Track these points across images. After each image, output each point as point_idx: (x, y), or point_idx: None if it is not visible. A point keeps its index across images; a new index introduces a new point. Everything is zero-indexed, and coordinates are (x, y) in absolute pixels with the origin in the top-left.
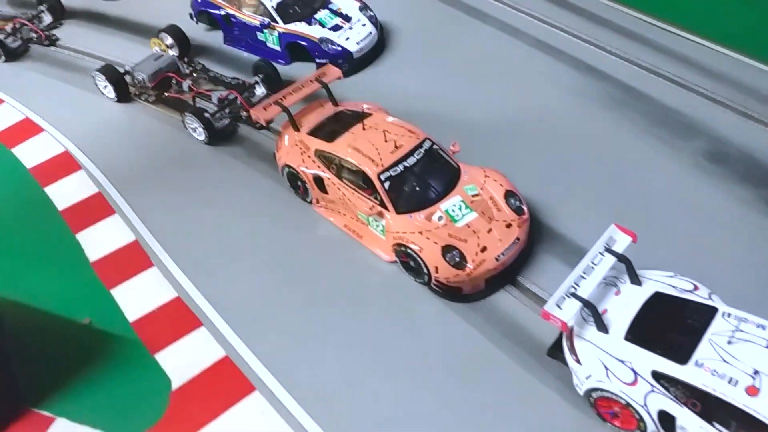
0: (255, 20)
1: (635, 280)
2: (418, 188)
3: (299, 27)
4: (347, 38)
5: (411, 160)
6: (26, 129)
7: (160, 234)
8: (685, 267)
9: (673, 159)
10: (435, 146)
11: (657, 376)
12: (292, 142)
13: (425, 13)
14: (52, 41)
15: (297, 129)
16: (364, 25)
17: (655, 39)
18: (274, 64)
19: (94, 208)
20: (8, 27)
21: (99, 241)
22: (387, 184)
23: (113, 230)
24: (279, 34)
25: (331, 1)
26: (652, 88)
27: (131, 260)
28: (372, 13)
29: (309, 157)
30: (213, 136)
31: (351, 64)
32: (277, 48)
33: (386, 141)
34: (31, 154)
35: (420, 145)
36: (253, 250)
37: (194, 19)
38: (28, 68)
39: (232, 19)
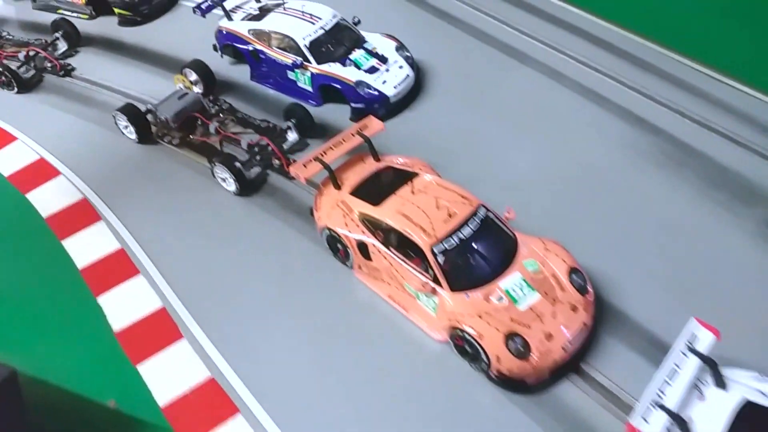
0: (286, 59)
1: (720, 382)
2: (474, 263)
3: (334, 68)
4: (384, 81)
5: (466, 231)
6: (42, 171)
7: (186, 298)
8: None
9: (736, 227)
10: (490, 214)
11: None
12: (334, 202)
13: (462, 52)
14: (68, 71)
15: (338, 187)
16: (401, 67)
17: (710, 91)
18: (306, 106)
19: (116, 268)
20: (21, 55)
21: (123, 305)
22: (441, 258)
23: (137, 293)
24: (312, 74)
25: (367, 40)
26: (708, 145)
27: (158, 330)
28: (409, 54)
29: (352, 220)
30: (244, 188)
31: (387, 108)
32: (309, 88)
33: (438, 208)
34: (47, 200)
35: (475, 214)
36: (287, 319)
37: (219, 51)
38: (41, 101)
39: (261, 56)
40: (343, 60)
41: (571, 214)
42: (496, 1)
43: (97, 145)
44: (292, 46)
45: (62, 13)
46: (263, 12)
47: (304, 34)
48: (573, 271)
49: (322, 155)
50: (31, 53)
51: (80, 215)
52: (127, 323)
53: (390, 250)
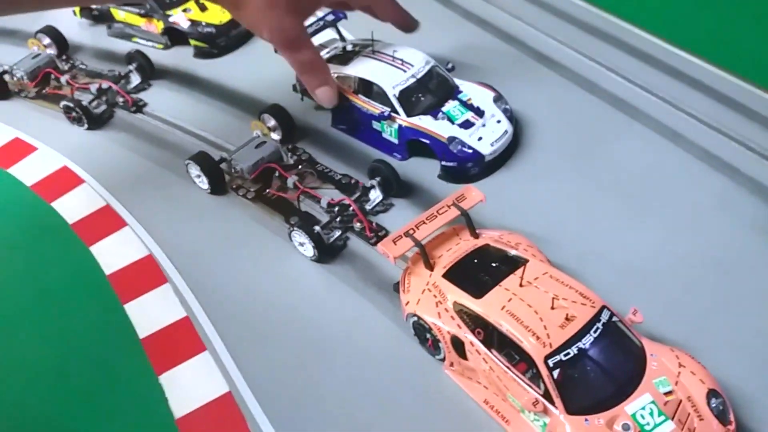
0: (373, 108)
1: None
2: (596, 379)
3: (425, 122)
4: (479, 138)
5: (587, 339)
6: (109, 221)
7: (253, 383)
8: None
9: None
10: (615, 318)
11: None
12: (424, 284)
13: (565, 103)
14: (139, 107)
15: (430, 267)
16: (498, 121)
17: None
18: (391, 161)
19: (183, 341)
20: (93, 87)
21: (186, 388)
22: (556, 372)
23: (202, 371)
24: (399, 126)
25: (461, 89)
26: None
27: (221, 418)
28: (508, 107)
29: (446, 310)
30: (323, 253)
31: (481, 167)
32: (395, 141)
33: (553, 308)
34: (112, 255)
35: (597, 317)
36: (365, 410)
37: (299, 93)
38: (111, 139)
39: (344, 102)
40: (434, 112)
41: (701, 314)
42: (604, 45)
43: (167, 194)
44: (379, 94)
45: (137, 42)
46: (349, 53)
47: (394, 82)
48: (713, 393)
49: (414, 231)
50: (104, 86)
51: (145, 276)
52: (191, 408)
53: (492, 352)
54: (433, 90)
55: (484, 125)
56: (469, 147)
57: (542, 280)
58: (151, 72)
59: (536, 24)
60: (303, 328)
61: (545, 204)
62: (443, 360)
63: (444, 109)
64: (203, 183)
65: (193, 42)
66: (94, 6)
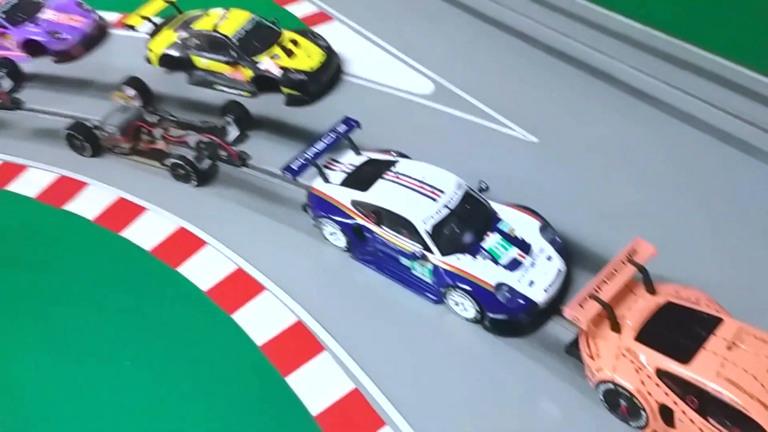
0: (401, 244)
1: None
2: None
3: (464, 263)
4: (531, 282)
5: None
6: (245, 285)
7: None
8: None
9: None
10: None
11: None
12: (615, 348)
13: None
14: (244, 161)
15: (617, 330)
16: (549, 258)
17: None
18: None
19: (357, 416)
20: (191, 140)
21: None
22: None
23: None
24: (434, 267)
25: (501, 217)
26: None
27: None
28: (557, 238)
29: (649, 377)
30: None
31: (533, 316)
32: (428, 280)
33: None
34: (258, 323)
35: None
36: None
37: (311, 217)
38: (223, 196)
39: (367, 234)
40: (474, 249)
41: None
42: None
43: (298, 253)
44: (407, 227)
45: (221, 90)
46: (366, 171)
47: (425, 215)
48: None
49: (597, 291)
50: (205, 140)
51: (300, 344)
52: None
53: (708, 421)
54: (469, 221)
55: (533, 264)
56: (520, 295)
57: (748, 342)
58: (248, 122)
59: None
60: (482, 398)
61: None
62: (642, 428)
63: (485, 245)
64: (338, 240)
65: (286, 90)
66: (175, 54)
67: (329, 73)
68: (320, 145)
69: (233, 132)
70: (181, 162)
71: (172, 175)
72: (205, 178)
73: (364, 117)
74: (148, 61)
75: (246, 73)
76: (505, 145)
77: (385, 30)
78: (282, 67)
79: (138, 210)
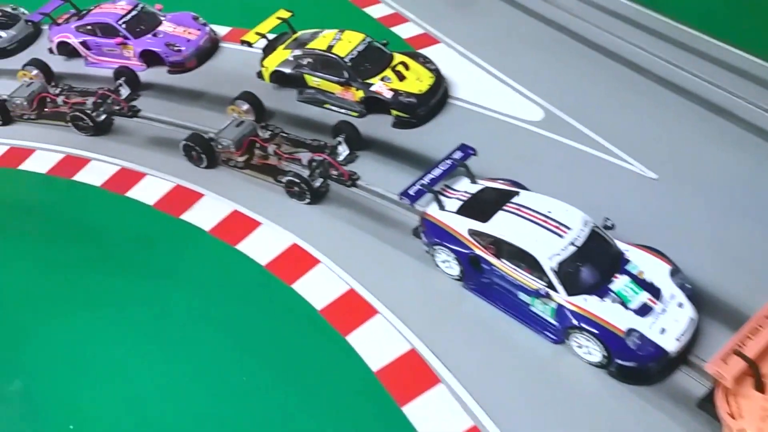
0: (522, 280)
1: None
2: None
3: (591, 304)
4: (662, 329)
5: None
6: (358, 307)
7: None
8: None
9: None
10: None
11: None
12: (759, 409)
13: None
14: (354, 181)
15: (761, 389)
16: (680, 305)
17: None
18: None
19: None
20: (304, 158)
21: None
22: None
23: None
24: (558, 307)
25: (628, 257)
26: None
27: None
28: (687, 284)
29: None
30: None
31: (662, 366)
32: (550, 320)
33: None
34: (372, 348)
35: None
36: None
37: (424, 243)
38: (333, 215)
39: (484, 265)
40: (602, 290)
41: None
42: None
43: (408, 277)
44: (529, 262)
45: (329, 108)
46: (483, 201)
47: (550, 251)
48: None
49: (741, 347)
50: (317, 159)
51: (415, 374)
52: None
53: None
54: (596, 260)
55: (664, 311)
56: (652, 343)
57: None
58: (358, 143)
59: None
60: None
61: None
62: None
63: (613, 287)
64: (450, 268)
65: (394, 112)
66: (287, 71)
67: (437, 97)
68: (437, 172)
69: (343, 152)
70: (296, 179)
71: (286, 192)
72: (317, 196)
73: (471, 142)
74: (259, 76)
75: (356, 94)
76: (623, 179)
77: (492, 55)
78: (392, 90)
79: (253, 224)
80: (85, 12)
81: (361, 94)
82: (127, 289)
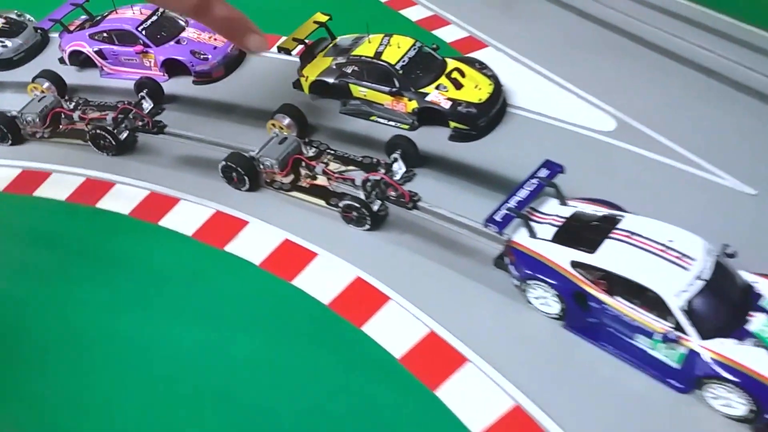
0: (644, 321)
1: None
2: None
3: (729, 349)
4: None
5: None
6: (443, 354)
7: None
8: None
9: None
10: None
11: None
12: None
13: None
14: (415, 203)
15: None
16: None
17: None
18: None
19: None
20: (358, 178)
21: None
22: None
23: None
24: (690, 353)
25: (760, 292)
26: None
27: None
28: None
29: None
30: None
31: None
32: (674, 366)
33: None
34: (466, 402)
35: None
36: None
37: (513, 278)
38: (396, 242)
39: (591, 303)
40: (738, 332)
41: None
42: None
43: (496, 315)
44: (649, 300)
45: (376, 121)
46: (582, 226)
47: (676, 288)
48: None
49: None
50: (372, 178)
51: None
52: None
53: None
54: (727, 296)
55: None
56: None
57: None
58: (416, 159)
59: None
60: None
61: None
62: None
63: (751, 327)
64: (547, 306)
65: (453, 124)
66: (329, 81)
67: (497, 106)
68: (523, 193)
69: (399, 170)
70: (356, 203)
71: (343, 217)
72: (378, 221)
73: (537, 154)
74: (296, 86)
75: (409, 105)
76: (717, 195)
77: (548, 59)
78: (450, 99)
79: (308, 255)
80: (99, 18)
81: (414, 104)
82: (176, 333)
